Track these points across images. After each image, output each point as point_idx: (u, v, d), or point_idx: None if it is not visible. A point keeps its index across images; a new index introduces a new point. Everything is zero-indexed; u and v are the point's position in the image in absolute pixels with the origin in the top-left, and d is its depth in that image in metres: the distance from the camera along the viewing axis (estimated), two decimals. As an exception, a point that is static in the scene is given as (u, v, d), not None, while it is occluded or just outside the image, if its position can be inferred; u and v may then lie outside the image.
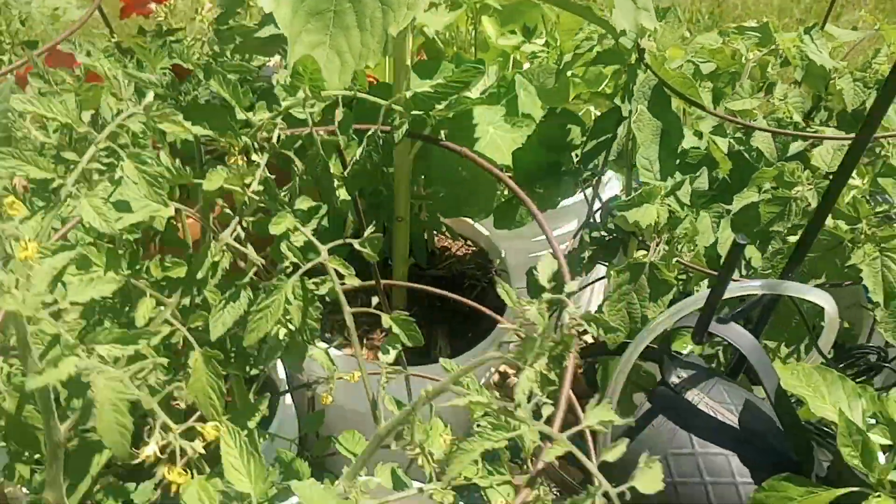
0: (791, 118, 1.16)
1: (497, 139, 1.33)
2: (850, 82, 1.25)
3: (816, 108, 1.31)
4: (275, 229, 0.67)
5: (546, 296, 0.56)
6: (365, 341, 1.34)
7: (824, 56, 1.21)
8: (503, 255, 1.44)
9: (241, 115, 0.69)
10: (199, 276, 0.68)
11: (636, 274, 1.04)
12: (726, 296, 0.86)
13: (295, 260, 0.68)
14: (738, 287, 0.87)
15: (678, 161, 1.12)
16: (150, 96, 0.65)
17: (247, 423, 0.82)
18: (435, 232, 1.42)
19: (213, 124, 0.68)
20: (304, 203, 0.70)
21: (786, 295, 0.89)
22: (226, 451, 0.64)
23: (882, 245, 1.04)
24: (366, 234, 0.73)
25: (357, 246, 0.72)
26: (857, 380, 1.07)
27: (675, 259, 1.05)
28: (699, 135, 1.18)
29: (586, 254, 1.19)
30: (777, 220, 1.12)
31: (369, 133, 0.75)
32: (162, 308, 0.69)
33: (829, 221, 1.06)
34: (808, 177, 1.11)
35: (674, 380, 0.93)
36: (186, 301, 0.71)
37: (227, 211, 0.71)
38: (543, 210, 1.27)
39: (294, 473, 0.84)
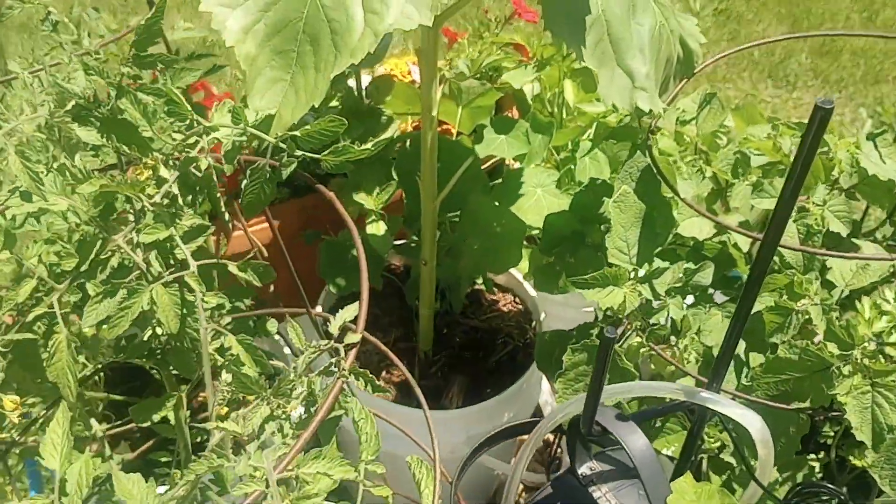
0: (821, 227, 1.07)
1: (542, 202, 1.33)
2: (918, 198, 1.14)
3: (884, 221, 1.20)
4: (145, 238, 0.73)
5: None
6: (382, 374, 1.38)
7: (889, 167, 1.11)
8: (542, 318, 1.42)
9: (146, 133, 0.75)
10: (83, 268, 0.75)
11: (594, 356, 1.01)
12: (640, 395, 0.83)
13: (159, 268, 0.74)
14: (643, 388, 0.83)
15: (672, 250, 1.08)
16: (70, 105, 0.74)
17: (151, 415, 0.88)
18: (478, 282, 1.43)
19: (122, 138, 0.76)
20: (187, 220, 0.75)
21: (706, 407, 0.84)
22: (51, 428, 0.71)
23: (875, 380, 0.94)
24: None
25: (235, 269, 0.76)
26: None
27: (643, 349, 1.00)
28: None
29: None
30: (777, 332, 1.04)
31: (256, 166, 0.79)
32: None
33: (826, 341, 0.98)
34: (818, 290, 1.03)
35: (584, 471, 0.89)
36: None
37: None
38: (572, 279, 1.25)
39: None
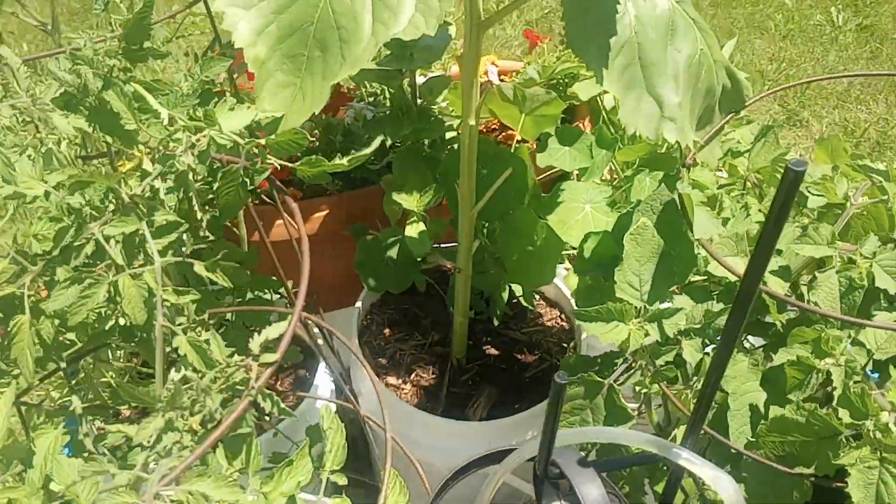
0: (865, 281, 0.99)
1: (590, 218, 1.29)
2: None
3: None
4: (111, 230, 0.75)
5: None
6: (412, 376, 1.37)
7: (954, 224, 1.02)
8: (584, 338, 1.38)
9: (130, 126, 0.77)
10: (55, 253, 0.77)
11: (592, 392, 0.97)
12: (603, 441, 0.79)
13: (120, 261, 0.75)
14: (607, 434, 0.79)
15: (703, 288, 1.02)
16: (53, 91, 0.76)
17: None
18: (520, 294, 1.40)
19: (107, 129, 0.78)
20: (161, 217, 0.76)
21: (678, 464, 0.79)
22: None
23: (884, 455, 0.87)
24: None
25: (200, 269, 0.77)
26: None
27: (644, 390, 0.96)
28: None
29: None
30: (796, 388, 0.98)
31: (228, 169, 0.80)
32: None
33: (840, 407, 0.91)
34: (844, 350, 0.95)
35: (552, 510, 0.86)
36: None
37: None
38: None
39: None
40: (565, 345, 1.41)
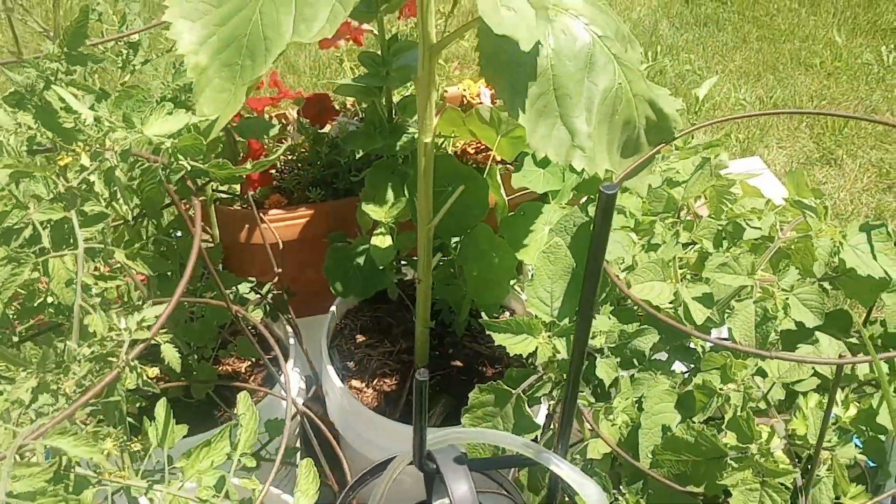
0: (778, 311, 1.02)
1: (548, 239, 1.34)
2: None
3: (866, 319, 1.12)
4: (39, 216, 0.83)
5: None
6: (376, 381, 1.44)
7: (872, 263, 1.04)
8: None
9: (68, 125, 0.86)
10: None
11: (502, 401, 1.02)
12: (476, 441, 0.84)
13: (47, 244, 0.83)
14: (481, 435, 0.84)
15: (630, 310, 1.06)
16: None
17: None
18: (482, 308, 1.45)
19: (48, 126, 0.87)
20: (89, 207, 0.85)
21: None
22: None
23: (765, 479, 0.90)
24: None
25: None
26: None
27: (552, 402, 1.01)
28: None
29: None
30: (701, 410, 1.01)
31: (148, 167, 0.88)
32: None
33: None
34: (746, 377, 0.99)
35: (444, 502, 0.91)
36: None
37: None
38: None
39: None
40: (528, 359, 1.45)
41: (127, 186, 0.85)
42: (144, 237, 1.13)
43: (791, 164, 2.75)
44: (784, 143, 2.85)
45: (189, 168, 0.84)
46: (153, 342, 0.92)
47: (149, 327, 0.74)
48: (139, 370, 0.72)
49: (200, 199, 0.97)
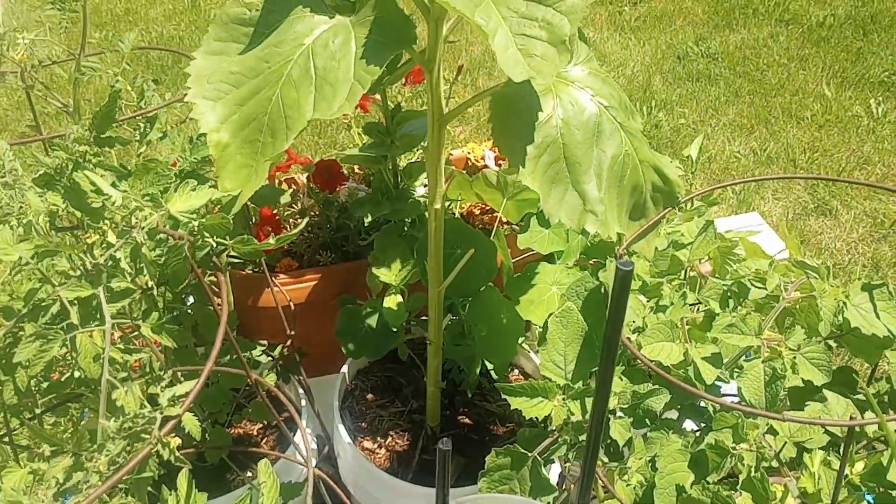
0: (786, 370, 1.04)
1: (556, 300, 1.36)
2: (901, 360, 1.08)
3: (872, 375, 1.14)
4: (67, 293, 0.86)
5: None
6: (388, 441, 1.45)
7: (875, 322, 1.07)
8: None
9: (95, 204, 0.89)
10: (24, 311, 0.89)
11: (518, 464, 1.04)
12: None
13: (75, 320, 0.86)
14: (504, 501, 0.86)
15: (641, 371, 1.08)
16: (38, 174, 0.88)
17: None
18: (492, 368, 1.47)
19: (75, 204, 0.90)
20: (115, 283, 0.87)
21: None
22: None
23: (779, 537, 0.92)
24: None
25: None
26: None
27: (567, 464, 1.02)
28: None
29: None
30: (714, 471, 1.03)
31: (175, 244, 0.90)
32: None
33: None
34: (757, 437, 1.01)
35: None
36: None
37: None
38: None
39: None
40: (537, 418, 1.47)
41: (152, 262, 0.88)
42: (161, 304, 1.15)
43: (787, 215, 2.79)
44: (779, 195, 2.90)
45: (215, 245, 0.87)
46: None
47: (177, 402, 0.76)
48: (171, 446, 0.74)
49: (223, 270, 1.00)
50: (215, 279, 1.32)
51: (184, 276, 0.94)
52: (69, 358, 0.88)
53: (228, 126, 0.97)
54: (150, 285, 0.88)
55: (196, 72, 0.94)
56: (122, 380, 0.84)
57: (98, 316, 0.88)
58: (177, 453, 0.74)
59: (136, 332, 0.93)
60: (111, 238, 0.89)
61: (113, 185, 0.91)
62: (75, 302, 0.86)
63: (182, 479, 0.89)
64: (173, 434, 0.90)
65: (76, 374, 0.89)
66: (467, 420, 1.49)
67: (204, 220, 0.84)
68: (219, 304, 1.36)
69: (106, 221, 0.90)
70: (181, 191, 0.95)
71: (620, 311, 0.70)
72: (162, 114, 1.23)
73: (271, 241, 0.91)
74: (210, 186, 0.96)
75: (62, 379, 0.88)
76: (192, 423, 0.95)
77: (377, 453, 1.44)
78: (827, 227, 2.77)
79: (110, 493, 0.85)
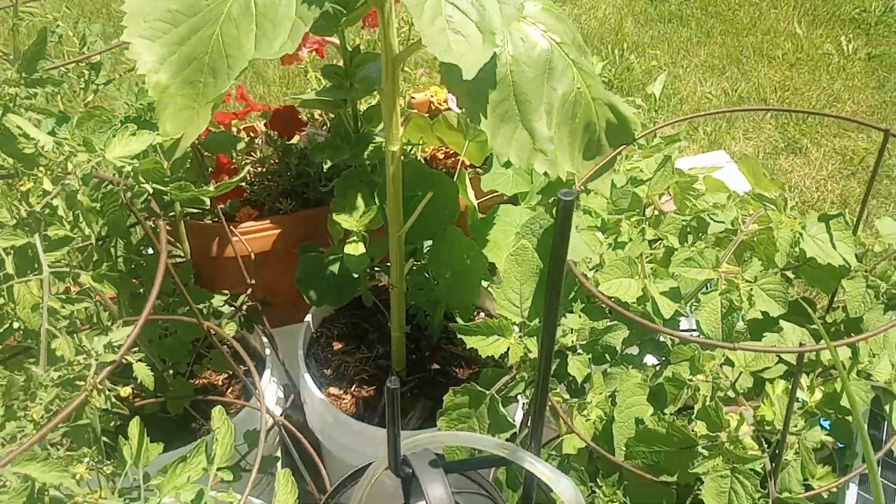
0: (742, 303, 1.04)
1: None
2: (860, 287, 1.08)
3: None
4: (2, 242, 0.84)
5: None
6: (354, 387, 1.45)
7: (831, 252, 1.07)
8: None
9: (28, 150, 0.87)
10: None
11: (476, 402, 1.04)
12: (452, 444, 0.85)
13: (10, 270, 0.84)
14: (454, 438, 0.86)
15: (599, 308, 1.08)
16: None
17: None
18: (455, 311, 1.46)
19: (8, 151, 0.87)
20: (52, 231, 0.85)
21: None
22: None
23: (735, 465, 0.92)
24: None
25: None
26: None
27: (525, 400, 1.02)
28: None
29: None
30: (671, 402, 1.03)
31: (110, 190, 0.88)
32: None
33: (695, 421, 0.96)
34: (714, 367, 1.01)
35: (420, 504, 0.92)
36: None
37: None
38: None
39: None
40: (502, 359, 1.47)
41: (90, 209, 0.86)
42: (114, 257, 1.13)
43: (758, 155, 2.78)
44: (750, 135, 2.89)
45: (151, 191, 0.85)
46: (126, 361, 0.93)
47: (117, 349, 0.75)
48: (108, 392, 0.73)
49: (169, 217, 0.98)
50: (171, 229, 1.30)
51: (123, 223, 0.92)
52: (7, 310, 0.86)
53: (167, 67, 0.95)
54: (90, 234, 0.86)
55: (132, 9, 0.91)
56: (67, 331, 0.83)
57: (36, 265, 0.86)
58: (114, 401, 0.73)
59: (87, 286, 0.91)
60: (47, 185, 0.87)
61: (52, 132, 0.89)
62: (10, 251, 0.84)
63: (133, 427, 0.88)
64: (124, 382, 0.89)
65: (15, 325, 0.87)
66: (434, 364, 1.48)
67: (139, 164, 0.82)
68: (177, 254, 1.34)
69: (40, 168, 0.88)
70: (120, 136, 0.93)
71: (564, 241, 0.69)
72: (106, 58, 1.20)
73: (210, 188, 0.89)
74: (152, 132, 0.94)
75: (2, 329, 0.86)
76: (143, 373, 0.94)
77: (343, 399, 1.43)
78: (797, 165, 2.77)
79: (61, 440, 0.85)
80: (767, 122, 2.94)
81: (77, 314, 0.88)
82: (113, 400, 0.74)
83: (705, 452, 0.93)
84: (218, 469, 0.95)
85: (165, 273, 0.89)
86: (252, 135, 1.55)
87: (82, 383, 0.72)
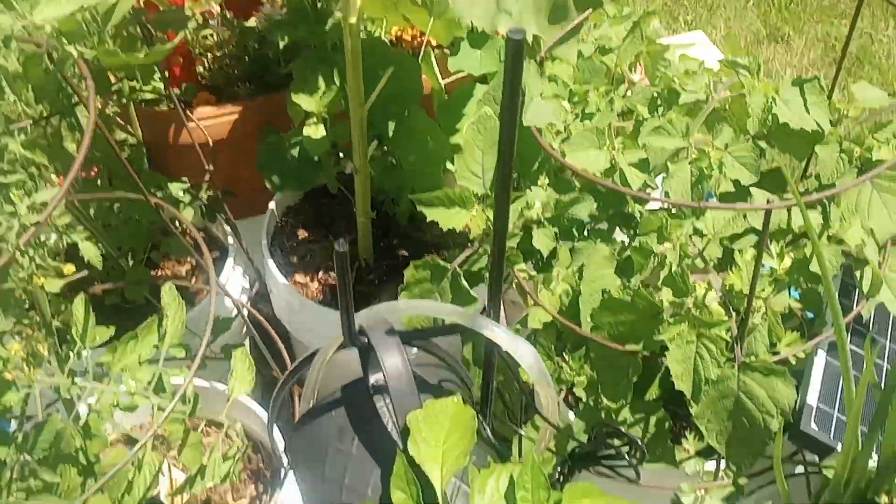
0: (713, 170, 1.01)
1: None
2: (833, 153, 1.05)
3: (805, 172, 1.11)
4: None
5: None
6: (320, 274, 1.42)
7: (805, 117, 1.03)
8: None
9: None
10: None
11: (438, 276, 1.01)
12: (410, 313, 0.83)
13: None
14: (413, 307, 0.83)
15: (568, 181, 1.05)
16: None
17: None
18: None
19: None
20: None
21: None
22: None
23: (700, 331, 0.90)
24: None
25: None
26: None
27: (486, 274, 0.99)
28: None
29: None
30: (637, 272, 1.01)
31: (32, 54, 0.83)
32: None
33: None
34: (682, 236, 0.98)
35: (375, 380, 0.90)
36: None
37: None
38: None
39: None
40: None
41: (16, 75, 0.81)
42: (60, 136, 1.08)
43: (740, 43, 2.72)
44: (731, 23, 2.82)
45: (76, 55, 0.79)
46: (75, 241, 0.89)
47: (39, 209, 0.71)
48: (33, 257, 0.69)
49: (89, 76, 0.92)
50: (119, 111, 1.25)
51: (50, 90, 0.86)
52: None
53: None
54: (19, 105, 0.81)
55: None
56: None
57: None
58: (42, 263, 0.70)
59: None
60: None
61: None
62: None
63: (78, 305, 0.85)
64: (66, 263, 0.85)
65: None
66: (403, 251, 1.45)
67: (57, 24, 0.77)
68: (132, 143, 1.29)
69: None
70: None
71: (515, 87, 0.65)
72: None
73: (140, 55, 0.84)
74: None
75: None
76: (90, 252, 0.91)
77: (310, 287, 1.41)
78: (779, 53, 2.71)
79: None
80: (750, 10, 2.87)
81: (15, 186, 0.84)
82: (38, 262, 0.70)
83: (670, 320, 0.91)
84: (170, 346, 0.92)
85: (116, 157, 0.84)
86: (208, 17, 1.48)
87: (5, 244, 0.68)
